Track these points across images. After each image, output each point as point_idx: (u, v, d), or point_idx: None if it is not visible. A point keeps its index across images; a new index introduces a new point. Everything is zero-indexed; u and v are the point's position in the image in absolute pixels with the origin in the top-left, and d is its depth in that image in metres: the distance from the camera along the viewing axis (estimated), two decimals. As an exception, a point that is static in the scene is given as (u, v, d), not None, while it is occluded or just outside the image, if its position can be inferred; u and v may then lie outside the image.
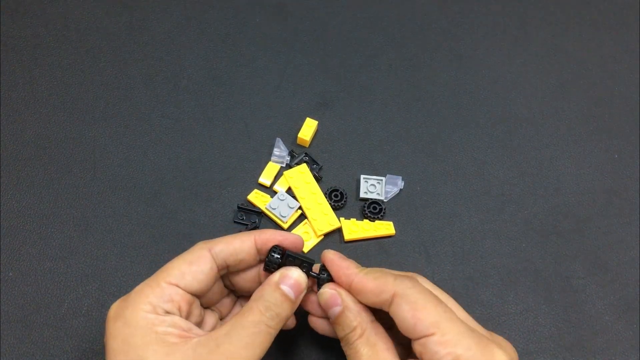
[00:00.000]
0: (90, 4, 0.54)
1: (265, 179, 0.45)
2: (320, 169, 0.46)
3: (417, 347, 0.30)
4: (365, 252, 0.43)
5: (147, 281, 0.31)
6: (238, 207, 0.43)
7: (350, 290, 0.32)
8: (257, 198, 0.44)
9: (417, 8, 0.57)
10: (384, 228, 0.43)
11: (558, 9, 0.59)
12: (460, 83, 0.53)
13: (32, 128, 0.47)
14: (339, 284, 0.33)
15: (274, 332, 0.30)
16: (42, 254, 0.41)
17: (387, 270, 0.33)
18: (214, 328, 0.34)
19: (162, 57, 0.52)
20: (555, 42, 0.56)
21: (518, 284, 0.43)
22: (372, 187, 0.45)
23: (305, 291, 0.33)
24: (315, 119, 0.48)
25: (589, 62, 0.55)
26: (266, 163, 0.46)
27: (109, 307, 0.39)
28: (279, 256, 0.32)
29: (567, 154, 0.49)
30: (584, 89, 0.53)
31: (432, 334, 0.29)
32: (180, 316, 0.30)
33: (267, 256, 0.32)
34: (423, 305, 0.30)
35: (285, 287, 0.31)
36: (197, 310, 0.32)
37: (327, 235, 0.43)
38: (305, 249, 0.42)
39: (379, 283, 0.31)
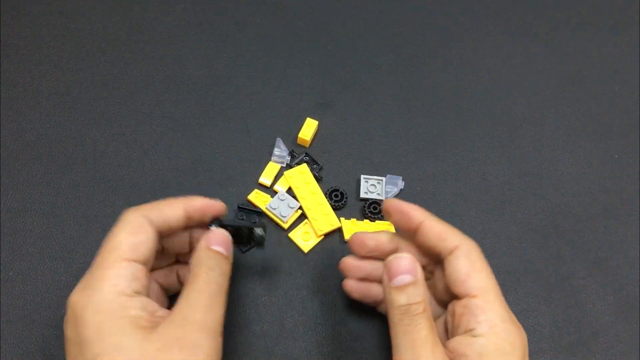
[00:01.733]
0: (90, 4, 0.54)
1: (265, 179, 0.45)
2: (321, 169, 0.46)
3: (457, 307, 0.31)
4: (365, 252, 0.43)
5: (99, 263, 0.30)
6: (238, 207, 0.43)
7: (417, 229, 0.33)
8: (257, 198, 0.44)
9: (417, 8, 0.57)
10: (384, 228, 0.43)
11: (558, 9, 0.59)
12: (460, 83, 0.53)
13: (32, 128, 0.47)
14: (405, 225, 0.34)
15: (225, 290, 0.31)
16: (42, 254, 0.41)
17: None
18: (155, 291, 0.35)
19: (162, 57, 0.52)
20: (555, 42, 0.56)
21: (518, 284, 0.43)
22: (372, 187, 0.45)
23: (231, 245, 0.34)
24: (315, 119, 0.48)
25: (589, 62, 0.55)
26: (266, 163, 0.46)
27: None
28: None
29: (567, 154, 0.49)
30: (584, 89, 0.53)
31: (476, 296, 0.30)
32: (147, 295, 0.30)
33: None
34: (480, 268, 0.31)
35: (215, 247, 0.32)
36: (147, 282, 0.32)
37: (327, 235, 0.43)
38: (306, 249, 0.42)
39: (448, 230, 0.32)
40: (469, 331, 0.30)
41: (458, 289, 0.31)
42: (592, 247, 0.45)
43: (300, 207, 0.44)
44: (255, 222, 0.39)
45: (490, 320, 0.29)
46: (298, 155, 0.46)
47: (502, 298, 0.31)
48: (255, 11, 0.56)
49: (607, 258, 0.44)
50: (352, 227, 0.43)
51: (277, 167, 0.46)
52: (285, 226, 0.43)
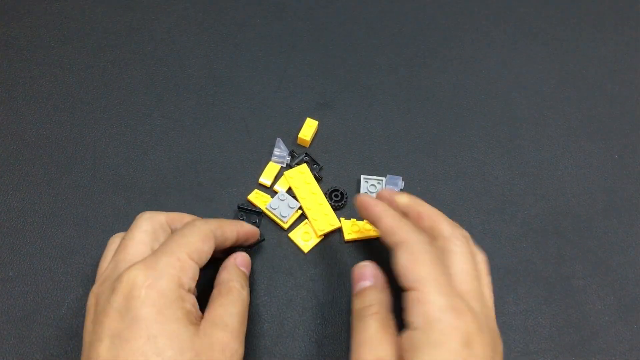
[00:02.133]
0: (90, 4, 0.54)
1: (265, 179, 0.45)
2: (321, 169, 0.46)
3: (404, 303, 0.31)
4: (365, 252, 0.43)
5: (169, 250, 0.31)
6: (238, 207, 0.43)
7: (375, 222, 0.35)
8: (257, 198, 0.44)
9: (417, 8, 0.57)
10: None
11: (558, 9, 0.59)
12: (460, 83, 0.53)
13: (32, 128, 0.47)
14: (372, 221, 0.36)
15: (248, 307, 0.34)
16: (42, 254, 0.41)
17: (438, 216, 0.35)
18: None
19: (162, 57, 0.52)
20: (555, 42, 0.56)
21: (518, 284, 0.43)
22: (373, 187, 0.45)
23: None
24: (315, 119, 0.48)
25: (589, 62, 0.55)
26: (266, 163, 0.46)
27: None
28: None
29: (567, 154, 0.49)
30: (584, 89, 0.53)
31: (414, 289, 0.30)
32: (195, 295, 0.32)
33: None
34: (420, 260, 0.31)
35: (242, 267, 0.36)
36: None
37: (327, 235, 0.43)
38: (306, 249, 0.42)
39: (397, 225, 0.33)
40: (408, 325, 0.30)
41: (401, 284, 0.31)
42: (592, 247, 0.45)
43: (300, 207, 0.44)
44: (256, 222, 0.43)
45: (425, 313, 0.29)
46: (298, 155, 0.46)
47: (448, 285, 0.30)
48: (255, 11, 0.56)
49: (607, 258, 0.44)
50: (352, 227, 0.43)
51: (277, 167, 0.46)
52: (286, 226, 0.43)
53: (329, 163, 0.47)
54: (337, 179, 0.46)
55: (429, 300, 0.29)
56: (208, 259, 0.33)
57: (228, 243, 0.36)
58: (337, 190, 0.45)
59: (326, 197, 0.44)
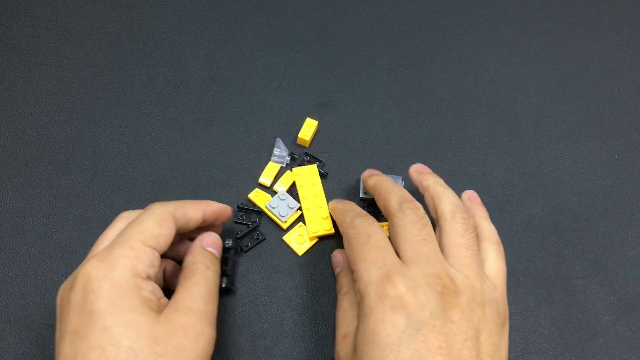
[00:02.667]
0: (90, 4, 0.54)
1: (265, 178, 0.45)
2: (324, 165, 0.46)
3: None
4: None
5: (123, 239, 0.31)
6: (238, 207, 0.43)
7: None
8: (257, 197, 0.44)
9: (417, 8, 0.57)
10: (384, 228, 0.43)
11: (558, 9, 0.59)
12: (460, 83, 0.53)
13: (32, 128, 0.47)
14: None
15: (217, 287, 0.34)
16: (42, 254, 0.41)
17: (359, 210, 0.38)
18: None
19: (162, 57, 0.52)
20: (555, 42, 0.56)
21: (518, 284, 0.43)
22: (372, 187, 0.45)
23: (221, 248, 0.38)
24: (315, 119, 0.48)
25: (589, 62, 0.55)
26: (266, 163, 0.46)
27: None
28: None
29: (567, 154, 0.49)
30: (584, 89, 0.53)
31: (353, 270, 0.33)
32: (155, 282, 0.32)
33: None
34: (352, 244, 0.34)
35: (209, 248, 0.36)
36: None
37: (322, 238, 0.43)
38: (300, 252, 0.42)
39: (339, 218, 0.38)
40: None
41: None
42: (592, 247, 0.45)
43: (300, 208, 0.44)
44: (255, 222, 0.43)
45: (359, 289, 0.33)
46: (298, 157, 0.46)
47: (376, 261, 0.33)
48: (255, 11, 0.56)
49: (607, 258, 0.44)
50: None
51: (277, 167, 0.46)
52: (285, 226, 0.43)
53: (328, 163, 0.47)
54: (336, 178, 0.46)
55: (359, 277, 0.32)
56: (169, 242, 0.33)
57: (193, 224, 0.36)
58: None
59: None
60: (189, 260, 0.34)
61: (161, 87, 0.50)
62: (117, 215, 0.43)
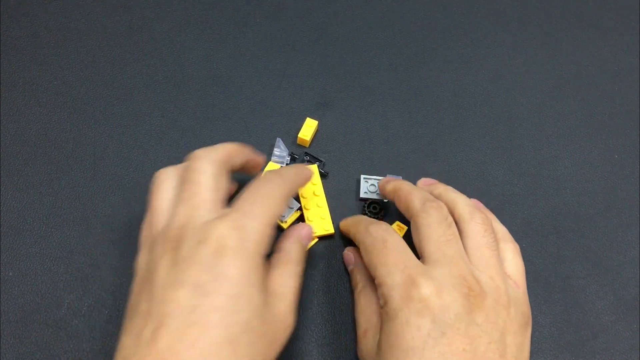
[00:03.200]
0: (90, 4, 0.54)
1: (265, 179, 0.45)
2: (324, 165, 0.46)
3: None
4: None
5: (256, 214, 0.31)
6: None
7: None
8: None
9: (417, 8, 0.57)
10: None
11: (558, 9, 0.59)
12: (460, 83, 0.53)
13: (32, 128, 0.47)
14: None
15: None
16: (42, 254, 0.41)
17: (371, 219, 0.39)
18: None
19: (162, 57, 0.52)
20: (555, 42, 0.56)
21: (518, 284, 0.43)
22: (372, 187, 0.45)
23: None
24: (315, 119, 0.48)
25: (589, 62, 0.55)
26: (266, 163, 0.46)
27: (109, 307, 0.39)
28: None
29: (567, 154, 0.49)
30: (584, 89, 0.53)
31: (375, 277, 0.34)
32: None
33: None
34: (371, 250, 0.34)
35: (304, 241, 0.37)
36: None
37: (322, 238, 0.43)
38: None
39: (352, 230, 0.39)
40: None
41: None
42: (592, 247, 0.45)
43: (300, 208, 0.44)
44: None
45: (382, 294, 0.33)
46: (299, 156, 0.46)
47: (396, 264, 0.33)
48: (255, 11, 0.56)
49: (607, 258, 0.45)
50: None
51: (277, 167, 0.46)
52: (285, 226, 0.43)
53: (328, 163, 0.47)
54: (336, 178, 0.46)
55: (383, 282, 0.32)
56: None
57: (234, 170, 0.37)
58: (376, 203, 0.44)
59: (364, 209, 0.44)
60: (286, 246, 0.35)
61: (161, 87, 0.50)
62: (116, 216, 0.43)
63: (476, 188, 0.47)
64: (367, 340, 0.35)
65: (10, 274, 0.40)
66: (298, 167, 0.38)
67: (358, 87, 0.52)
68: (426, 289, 0.30)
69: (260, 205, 0.31)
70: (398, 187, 0.39)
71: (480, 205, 0.41)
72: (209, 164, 0.33)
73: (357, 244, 0.37)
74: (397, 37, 0.55)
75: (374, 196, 0.45)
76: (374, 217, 0.44)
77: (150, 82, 0.50)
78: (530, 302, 0.42)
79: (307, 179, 0.38)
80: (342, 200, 0.45)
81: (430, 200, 0.36)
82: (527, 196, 0.47)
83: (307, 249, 0.38)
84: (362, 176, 0.46)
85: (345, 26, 0.56)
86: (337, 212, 0.44)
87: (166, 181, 0.34)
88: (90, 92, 0.49)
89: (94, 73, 0.50)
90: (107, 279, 0.41)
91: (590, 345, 0.41)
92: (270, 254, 0.35)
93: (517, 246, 0.37)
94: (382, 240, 0.34)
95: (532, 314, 0.41)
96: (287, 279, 0.33)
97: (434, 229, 0.34)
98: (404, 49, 0.55)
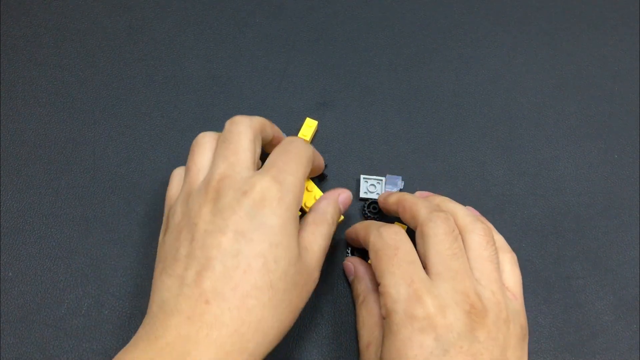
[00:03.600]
0: (90, 4, 0.54)
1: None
2: (326, 167, 0.46)
3: None
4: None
5: (293, 170, 0.32)
6: None
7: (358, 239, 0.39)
8: None
9: (417, 8, 0.57)
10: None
11: (558, 9, 0.59)
12: (460, 83, 0.53)
13: (32, 128, 0.47)
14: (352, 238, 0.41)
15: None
16: (42, 254, 0.41)
17: (383, 224, 0.37)
18: None
19: (162, 57, 0.52)
20: (555, 42, 0.56)
21: (518, 284, 0.43)
22: (372, 187, 0.45)
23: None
24: (315, 119, 0.48)
25: (589, 62, 0.55)
26: (266, 163, 0.46)
27: (109, 307, 0.39)
28: None
29: (567, 154, 0.49)
30: (584, 89, 0.53)
31: (380, 284, 0.33)
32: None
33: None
34: (380, 255, 0.34)
35: (342, 205, 0.39)
36: None
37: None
38: None
39: (362, 233, 0.37)
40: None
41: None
42: (592, 247, 0.45)
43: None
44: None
45: (385, 305, 0.33)
46: None
47: (404, 276, 0.32)
48: (255, 11, 0.56)
49: (607, 258, 0.45)
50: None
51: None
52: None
53: (328, 163, 0.47)
54: (336, 178, 0.46)
55: (387, 293, 0.32)
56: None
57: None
58: (376, 203, 0.44)
59: (364, 209, 0.44)
60: (323, 206, 0.37)
61: (161, 87, 0.50)
62: (116, 216, 0.43)
63: (476, 188, 0.47)
64: (369, 353, 0.34)
65: (10, 274, 0.40)
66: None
67: (358, 87, 0.52)
68: (431, 307, 0.30)
69: (294, 162, 0.33)
70: (402, 197, 0.38)
71: (478, 213, 0.41)
72: (248, 128, 0.35)
73: (366, 246, 0.37)
74: (397, 37, 0.55)
75: (374, 196, 0.45)
76: (373, 217, 0.44)
77: (150, 82, 0.50)
78: (530, 302, 0.42)
79: (320, 164, 0.41)
80: (342, 200, 0.45)
81: (437, 210, 0.35)
82: (527, 196, 0.47)
83: (342, 214, 0.39)
84: (362, 176, 0.46)
85: (345, 26, 0.56)
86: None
87: (207, 143, 0.36)
88: (90, 92, 0.49)
89: (93, 73, 0.50)
90: (107, 279, 0.41)
91: (590, 345, 0.41)
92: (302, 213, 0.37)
93: (515, 256, 0.37)
94: (394, 246, 0.34)
95: (532, 314, 0.42)
96: (318, 237, 0.34)
97: (440, 240, 0.33)
98: (404, 49, 0.55)
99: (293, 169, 0.33)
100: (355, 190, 0.46)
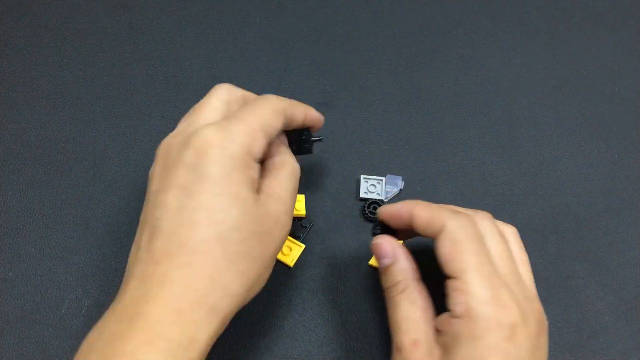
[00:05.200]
0: (90, 4, 0.54)
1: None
2: (320, 139, 0.41)
3: (446, 286, 0.31)
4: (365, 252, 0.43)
5: (242, 118, 0.31)
6: None
7: (411, 221, 0.34)
8: None
9: (417, 8, 0.57)
10: None
11: (558, 9, 0.59)
12: (460, 83, 0.53)
13: (32, 128, 0.47)
14: (402, 225, 0.35)
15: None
16: (42, 254, 0.41)
17: (454, 207, 0.34)
18: None
19: (162, 57, 0.52)
20: (555, 42, 0.56)
21: (518, 284, 0.43)
22: (372, 187, 0.45)
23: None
24: (315, 119, 0.48)
25: (589, 62, 0.55)
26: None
27: (109, 308, 0.39)
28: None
29: (567, 154, 0.49)
30: (584, 89, 0.53)
31: (456, 278, 0.30)
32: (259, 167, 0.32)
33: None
34: (464, 247, 0.30)
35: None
36: None
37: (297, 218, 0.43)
38: (290, 263, 0.41)
39: (434, 214, 0.32)
40: (449, 311, 0.30)
41: (444, 271, 0.31)
42: (592, 247, 0.45)
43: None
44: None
45: (467, 303, 0.29)
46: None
47: (489, 276, 0.30)
48: (255, 11, 0.56)
49: (607, 258, 0.44)
50: None
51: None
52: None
53: (328, 163, 0.47)
54: (336, 178, 0.46)
55: (471, 291, 0.29)
56: (276, 134, 0.33)
57: (295, 124, 0.35)
58: (376, 203, 0.44)
59: (364, 209, 0.44)
60: (282, 150, 0.35)
61: (161, 87, 0.50)
62: (116, 216, 0.43)
63: (476, 188, 0.47)
64: (417, 353, 0.30)
65: (10, 274, 0.40)
66: (307, 106, 0.37)
67: (358, 87, 0.52)
68: (516, 315, 0.29)
69: (249, 112, 0.31)
70: (412, 203, 0.34)
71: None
72: (224, 91, 0.34)
73: (430, 232, 0.32)
74: (397, 37, 0.55)
75: (374, 196, 0.45)
76: (373, 217, 0.44)
77: (150, 82, 0.50)
78: (530, 302, 0.42)
79: (314, 117, 0.37)
80: (342, 200, 0.45)
81: (457, 210, 0.33)
82: (527, 196, 0.47)
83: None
84: (362, 176, 0.46)
85: (345, 26, 0.56)
86: (337, 212, 0.44)
87: (214, 95, 0.35)
88: (90, 92, 0.49)
89: (93, 73, 0.50)
90: (107, 279, 0.41)
91: (590, 345, 0.41)
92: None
93: (514, 230, 0.35)
94: (480, 236, 0.31)
95: (532, 314, 0.42)
96: (281, 182, 0.32)
97: (478, 243, 0.31)
98: (404, 49, 0.55)
99: (245, 117, 0.31)
100: (356, 190, 0.46)
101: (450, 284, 0.30)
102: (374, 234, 0.37)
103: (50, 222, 0.43)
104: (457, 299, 0.29)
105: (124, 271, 0.40)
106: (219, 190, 0.28)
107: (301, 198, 0.44)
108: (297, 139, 0.38)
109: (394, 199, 0.45)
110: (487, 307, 0.29)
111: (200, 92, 0.50)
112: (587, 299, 0.42)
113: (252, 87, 0.50)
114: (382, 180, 0.46)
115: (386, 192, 0.45)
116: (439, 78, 0.53)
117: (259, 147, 0.31)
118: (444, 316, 0.30)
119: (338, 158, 0.47)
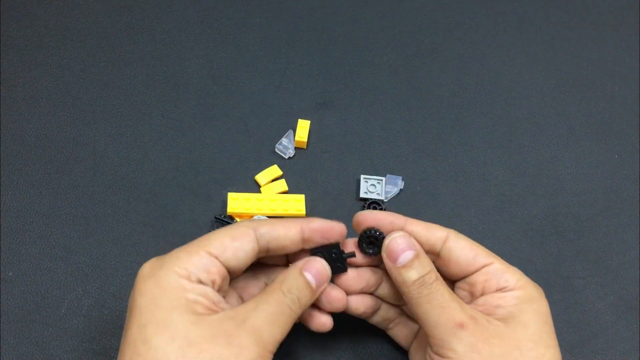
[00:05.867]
0: (90, 4, 0.54)
1: (261, 178, 0.45)
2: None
3: (476, 278, 0.33)
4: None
5: (186, 247, 0.31)
6: (215, 218, 0.43)
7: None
8: (237, 206, 0.43)
9: (417, 8, 0.57)
10: None
11: (558, 9, 0.59)
12: (460, 83, 0.53)
13: (32, 128, 0.47)
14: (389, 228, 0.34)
15: (294, 316, 0.31)
16: (42, 254, 0.41)
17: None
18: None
19: (162, 57, 0.52)
20: (555, 42, 0.56)
21: (518, 284, 0.43)
22: (372, 187, 0.45)
23: (327, 282, 0.33)
24: (316, 119, 0.48)
25: (589, 62, 0.55)
26: (266, 163, 0.46)
27: (109, 307, 0.39)
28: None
29: (567, 154, 0.49)
30: (584, 89, 0.53)
31: (492, 263, 0.33)
32: (212, 289, 0.30)
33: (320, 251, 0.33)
34: (475, 244, 0.34)
35: (307, 275, 0.32)
36: (226, 286, 0.32)
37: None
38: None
39: (431, 226, 0.34)
40: (499, 289, 0.33)
41: (471, 266, 0.33)
42: (592, 247, 0.45)
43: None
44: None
45: (515, 276, 0.33)
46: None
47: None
48: (255, 11, 0.56)
49: (607, 258, 0.44)
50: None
51: (278, 172, 0.46)
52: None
53: (328, 163, 0.47)
54: (336, 179, 0.46)
55: (511, 269, 0.33)
56: (244, 257, 0.31)
57: (289, 243, 0.32)
58: (376, 203, 0.44)
59: (364, 209, 0.43)
60: (280, 275, 0.32)
61: (161, 87, 0.50)
62: (116, 216, 0.43)
63: (476, 188, 0.47)
64: (465, 333, 0.30)
65: (10, 274, 0.40)
66: (310, 220, 0.33)
67: (358, 87, 0.52)
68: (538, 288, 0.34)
69: (197, 239, 0.31)
70: (401, 219, 0.34)
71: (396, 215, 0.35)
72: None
73: (432, 241, 0.33)
74: (397, 37, 0.55)
75: (374, 196, 0.45)
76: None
77: (150, 82, 0.50)
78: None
79: (309, 228, 0.33)
80: (342, 200, 0.45)
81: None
82: (527, 196, 0.47)
83: (313, 285, 0.32)
84: (362, 176, 0.46)
85: (345, 26, 0.56)
86: (337, 212, 0.44)
87: None
88: (90, 92, 0.49)
89: (93, 73, 0.50)
90: (107, 279, 0.41)
91: (590, 345, 0.41)
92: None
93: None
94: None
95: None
96: (258, 304, 0.30)
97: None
98: (404, 49, 0.55)
99: (188, 245, 0.31)
100: (356, 190, 0.46)
101: (491, 269, 0.33)
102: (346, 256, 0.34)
103: (50, 222, 0.43)
104: (506, 276, 0.33)
105: (124, 271, 0.41)
106: (143, 321, 0.28)
107: (301, 198, 0.44)
108: (328, 258, 0.33)
109: (394, 199, 0.45)
110: (526, 280, 0.33)
111: (200, 92, 0.50)
112: (587, 299, 0.42)
113: (252, 87, 0.51)
114: (382, 180, 0.46)
115: (386, 192, 0.45)
116: (439, 78, 0.53)
117: (199, 269, 0.29)
118: (488, 297, 0.33)
119: (338, 158, 0.47)
